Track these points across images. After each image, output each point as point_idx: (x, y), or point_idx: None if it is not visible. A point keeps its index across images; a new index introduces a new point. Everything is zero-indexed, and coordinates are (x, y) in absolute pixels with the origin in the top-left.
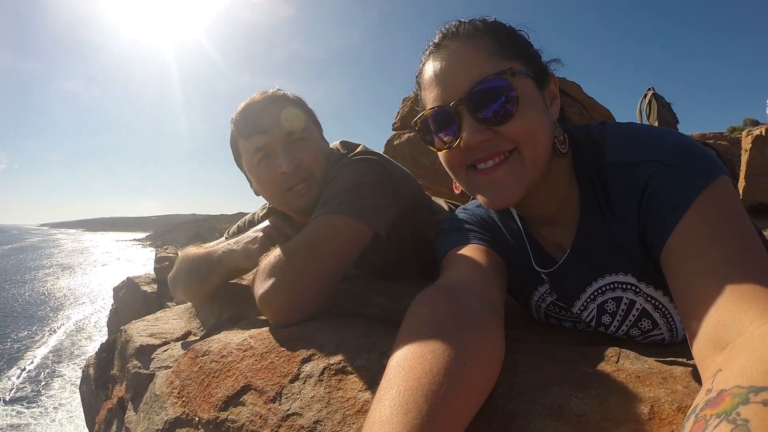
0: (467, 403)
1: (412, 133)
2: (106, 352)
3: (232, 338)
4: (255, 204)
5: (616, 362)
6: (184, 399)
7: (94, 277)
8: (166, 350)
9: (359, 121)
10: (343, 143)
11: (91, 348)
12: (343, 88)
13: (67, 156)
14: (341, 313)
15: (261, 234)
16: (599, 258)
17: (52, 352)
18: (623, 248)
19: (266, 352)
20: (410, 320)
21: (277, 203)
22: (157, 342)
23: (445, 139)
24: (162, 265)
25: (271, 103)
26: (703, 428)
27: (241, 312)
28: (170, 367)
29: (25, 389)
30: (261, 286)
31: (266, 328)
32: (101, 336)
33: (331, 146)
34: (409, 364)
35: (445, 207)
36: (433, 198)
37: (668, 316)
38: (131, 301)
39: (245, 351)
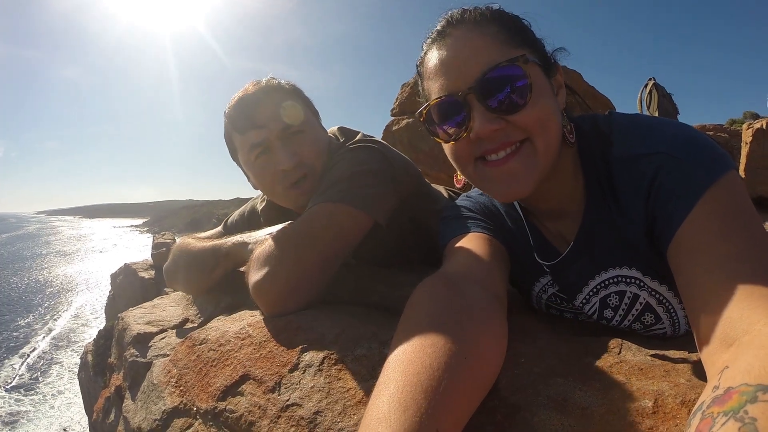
0: (468, 398)
1: (411, 119)
2: (104, 338)
3: (230, 326)
4: (252, 188)
5: (618, 354)
6: (181, 388)
7: (92, 263)
8: (163, 338)
9: (358, 106)
10: (341, 129)
11: (88, 335)
12: (342, 74)
13: (65, 143)
14: (340, 301)
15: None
16: (603, 251)
17: (53, 339)
18: (628, 241)
19: (265, 341)
20: (410, 312)
21: (279, 199)
22: (154, 330)
23: (452, 130)
24: (159, 251)
25: (265, 95)
26: (710, 426)
27: (239, 300)
28: (168, 355)
29: (23, 377)
30: (255, 275)
31: (264, 317)
32: (98, 323)
33: (328, 132)
34: (408, 359)
35: (445, 194)
36: (433, 185)
37: (671, 310)
38: (129, 287)
39: (243, 339)
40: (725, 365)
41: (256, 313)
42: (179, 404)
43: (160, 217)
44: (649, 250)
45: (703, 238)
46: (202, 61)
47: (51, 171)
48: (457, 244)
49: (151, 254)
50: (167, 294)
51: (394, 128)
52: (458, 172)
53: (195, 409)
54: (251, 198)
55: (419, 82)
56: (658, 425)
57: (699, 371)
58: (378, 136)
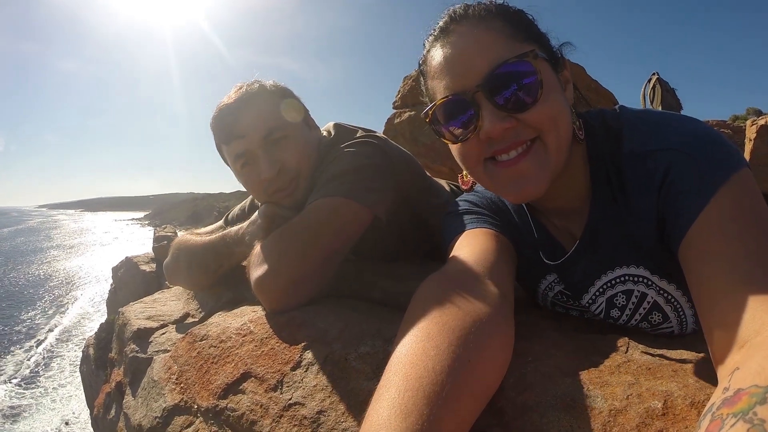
0: (472, 402)
1: (413, 112)
2: (106, 332)
3: (231, 322)
4: None
5: (626, 352)
6: (182, 386)
7: (96, 257)
8: (164, 333)
9: (360, 99)
10: (336, 126)
11: (89, 328)
12: (344, 67)
13: (65, 136)
14: (343, 296)
15: (261, 219)
16: (610, 249)
17: (59, 333)
18: (637, 240)
19: (266, 338)
20: (413, 312)
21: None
22: (155, 325)
23: (460, 131)
24: (160, 244)
25: (245, 103)
26: (719, 427)
27: (241, 295)
28: (168, 351)
29: (26, 370)
30: (257, 271)
31: (266, 312)
32: (99, 316)
33: (323, 129)
34: (410, 361)
35: (447, 188)
36: (435, 179)
37: (679, 309)
38: (130, 280)
39: (245, 336)
40: (736, 366)
41: (258, 308)
42: (180, 402)
43: (162, 210)
44: (658, 249)
45: (715, 238)
46: (203, 53)
47: (52, 164)
48: (463, 240)
49: (153, 247)
50: (168, 288)
51: (396, 121)
52: (464, 173)
53: (196, 407)
54: None
55: (422, 82)
56: (668, 427)
57: (707, 371)
58: (380, 129)
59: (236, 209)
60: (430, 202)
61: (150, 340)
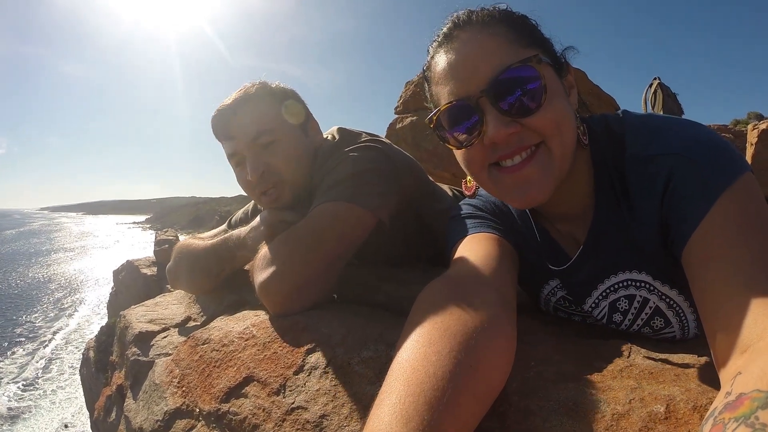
0: (474, 408)
1: (415, 117)
2: (106, 335)
3: (233, 326)
4: None
5: (628, 357)
6: (184, 389)
7: (99, 260)
8: (165, 337)
9: (362, 104)
10: (340, 130)
11: (89, 331)
12: (346, 72)
13: (67, 140)
14: (346, 300)
15: (264, 223)
16: (613, 254)
17: (64, 335)
18: (639, 245)
19: (269, 342)
20: (416, 317)
21: (256, 204)
22: (156, 328)
23: (464, 136)
24: (162, 247)
25: (241, 105)
26: (722, 431)
27: (243, 298)
28: (170, 354)
29: (28, 372)
30: (261, 275)
31: (269, 316)
32: (99, 319)
33: (326, 134)
34: (411, 367)
35: (450, 193)
36: (438, 184)
37: (681, 314)
38: (131, 283)
39: (247, 340)
40: (738, 371)
41: (260, 312)
42: (181, 405)
43: (163, 214)
44: (661, 254)
45: (718, 243)
46: (206, 57)
47: (54, 167)
48: (466, 245)
49: (154, 251)
50: (170, 291)
51: (398, 126)
52: (468, 178)
53: (198, 410)
54: None
55: (426, 88)
56: (670, 431)
57: (710, 375)
58: (382, 134)
59: (239, 213)
60: (433, 206)
61: (151, 344)
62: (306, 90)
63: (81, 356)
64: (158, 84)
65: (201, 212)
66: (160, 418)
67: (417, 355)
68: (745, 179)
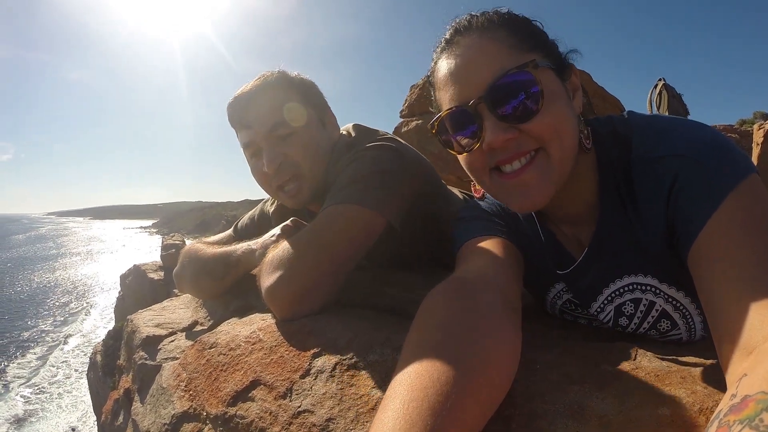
0: (478, 413)
1: (420, 121)
2: (113, 339)
3: (240, 330)
4: (261, 190)
5: (634, 360)
6: (191, 393)
7: (110, 264)
8: (172, 341)
9: (367, 108)
10: (356, 127)
11: (95, 335)
12: (350, 76)
13: (73, 145)
14: (352, 304)
15: (279, 232)
16: (618, 258)
17: (69, 339)
18: (645, 248)
19: (276, 346)
20: (421, 321)
21: (272, 197)
22: (163, 332)
23: (465, 141)
24: (168, 252)
25: (259, 93)
26: None
27: (250, 302)
28: (177, 358)
29: (33, 376)
30: (268, 279)
31: (275, 321)
32: (105, 323)
33: (342, 130)
34: (415, 372)
35: (460, 196)
36: (448, 187)
37: (688, 316)
38: (138, 288)
39: (254, 344)
40: (744, 373)
41: (267, 316)
42: (189, 409)
43: (170, 219)
44: (667, 256)
45: (724, 244)
46: (210, 62)
47: (60, 173)
48: (472, 248)
49: (161, 255)
50: (177, 296)
51: (403, 130)
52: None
53: (205, 414)
54: (260, 199)
55: (432, 93)
56: None
57: (715, 378)
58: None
59: (245, 218)
60: (444, 208)
61: (159, 348)
62: None
63: (88, 360)
64: (162, 89)
65: (207, 217)
66: (168, 422)
67: (421, 360)
68: (750, 181)
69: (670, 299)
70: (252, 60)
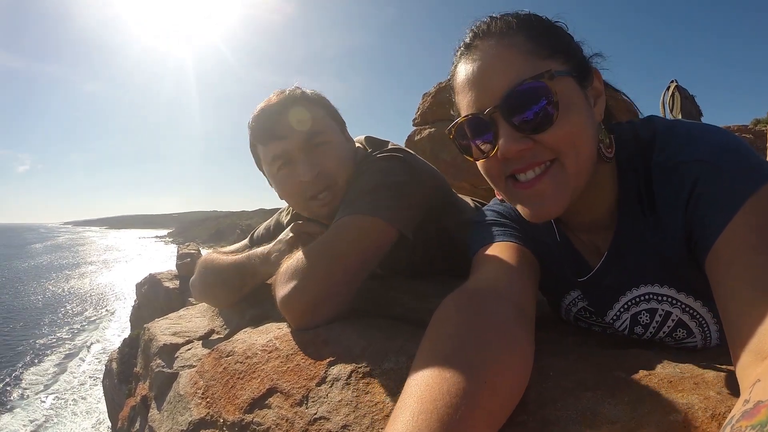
0: (488, 425)
1: (433, 129)
2: (129, 347)
3: (256, 339)
4: (275, 199)
5: (647, 366)
6: (208, 400)
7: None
8: (189, 349)
9: (379, 117)
10: (368, 139)
11: (110, 343)
12: (362, 85)
13: (89, 156)
14: (366, 313)
15: (288, 238)
16: (636, 266)
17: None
18: (664, 255)
19: (292, 354)
20: (433, 331)
21: (301, 210)
22: (180, 341)
23: (482, 148)
24: (183, 261)
25: (288, 106)
26: None
27: (266, 311)
28: (194, 366)
29: (50, 384)
30: (283, 289)
31: (291, 330)
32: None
33: (355, 141)
34: (426, 383)
35: (471, 205)
36: (460, 196)
37: (704, 325)
38: (153, 297)
39: (270, 352)
40: (757, 378)
41: (283, 325)
42: (206, 416)
43: (185, 228)
44: (685, 264)
45: (742, 249)
46: (221, 74)
47: (76, 183)
48: (486, 254)
49: (176, 265)
50: (192, 304)
51: (416, 138)
52: None
53: (222, 420)
54: (275, 209)
55: (452, 96)
56: None
57: (729, 384)
58: (401, 145)
59: (261, 228)
60: (455, 218)
61: (176, 356)
62: None
63: (102, 368)
64: (175, 100)
65: (222, 226)
66: (185, 428)
67: (432, 372)
68: None
69: (687, 309)
70: (263, 71)
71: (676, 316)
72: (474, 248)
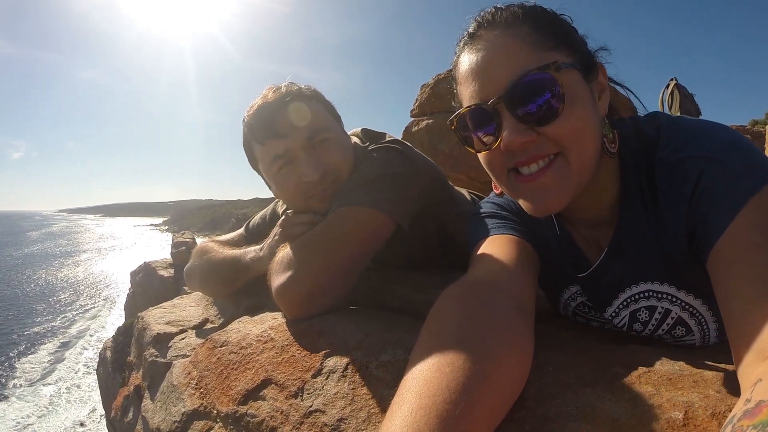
0: (487, 420)
1: (431, 120)
2: (123, 335)
3: (251, 329)
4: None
5: (646, 363)
6: (201, 391)
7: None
8: (183, 338)
9: (377, 108)
10: (364, 131)
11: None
12: (361, 75)
13: (84, 143)
14: (364, 305)
15: (279, 231)
16: (637, 262)
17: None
18: (664, 252)
19: (287, 345)
20: (431, 325)
21: (300, 208)
22: (174, 330)
23: (484, 140)
24: (179, 249)
25: (286, 103)
26: None
27: (261, 301)
28: (188, 356)
29: (43, 371)
30: (278, 279)
31: (286, 320)
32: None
33: (350, 134)
34: (424, 378)
35: (468, 197)
36: (456, 188)
37: (703, 323)
38: (148, 285)
39: (265, 343)
40: (759, 378)
41: (278, 315)
42: (199, 407)
43: (180, 217)
44: (686, 261)
45: (744, 248)
46: (220, 63)
47: (71, 170)
48: (486, 247)
49: (171, 253)
50: (187, 293)
51: (413, 129)
52: None
53: (215, 412)
54: (271, 198)
55: (454, 86)
56: None
57: (729, 382)
58: (398, 137)
59: (257, 218)
60: (452, 210)
61: (169, 345)
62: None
63: (98, 356)
64: (172, 88)
65: (218, 215)
66: (178, 419)
67: (430, 366)
68: None
69: (686, 306)
70: (261, 60)
71: (675, 313)
72: (473, 241)
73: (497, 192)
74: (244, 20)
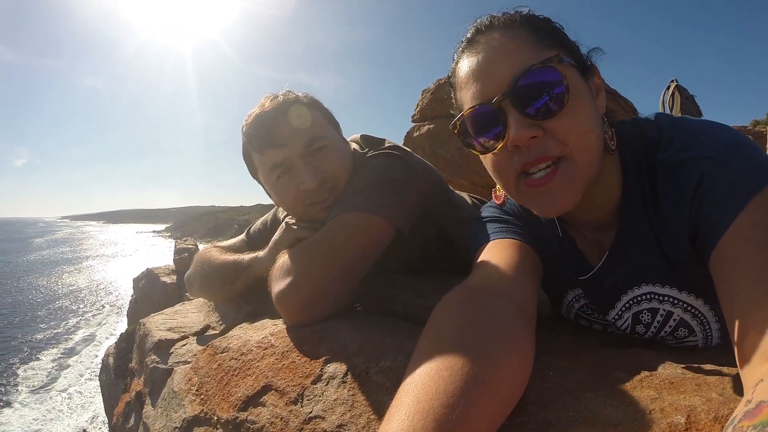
0: (486, 425)
1: (432, 125)
2: (126, 341)
3: (252, 335)
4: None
5: (648, 366)
6: (202, 397)
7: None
8: (184, 345)
9: (378, 113)
10: (363, 138)
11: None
12: (362, 81)
13: (87, 150)
14: (364, 311)
15: (280, 235)
16: (639, 264)
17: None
18: (666, 253)
19: (287, 351)
20: (431, 330)
21: (300, 217)
22: (175, 336)
23: (488, 141)
24: (181, 256)
25: (284, 112)
26: None
27: (262, 308)
28: (189, 362)
29: (46, 377)
30: (278, 285)
31: (287, 326)
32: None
33: (350, 140)
34: (422, 382)
35: (469, 201)
36: (457, 192)
37: (705, 324)
38: (151, 291)
39: (266, 349)
40: (760, 378)
41: (279, 321)
42: (200, 413)
43: (182, 223)
44: (688, 262)
45: (746, 249)
46: (221, 69)
47: (74, 177)
48: (487, 252)
49: (174, 259)
50: (189, 300)
51: (414, 134)
52: (497, 187)
53: (216, 418)
54: (273, 204)
55: (452, 95)
56: None
57: (732, 385)
58: (399, 143)
59: (258, 223)
60: (452, 215)
61: (170, 351)
62: (321, 99)
63: (100, 362)
64: (174, 95)
65: (220, 221)
66: (179, 426)
67: (429, 371)
68: None
69: (688, 308)
70: (262, 66)
71: (678, 315)
72: (475, 245)
73: (498, 202)
74: (245, 27)
